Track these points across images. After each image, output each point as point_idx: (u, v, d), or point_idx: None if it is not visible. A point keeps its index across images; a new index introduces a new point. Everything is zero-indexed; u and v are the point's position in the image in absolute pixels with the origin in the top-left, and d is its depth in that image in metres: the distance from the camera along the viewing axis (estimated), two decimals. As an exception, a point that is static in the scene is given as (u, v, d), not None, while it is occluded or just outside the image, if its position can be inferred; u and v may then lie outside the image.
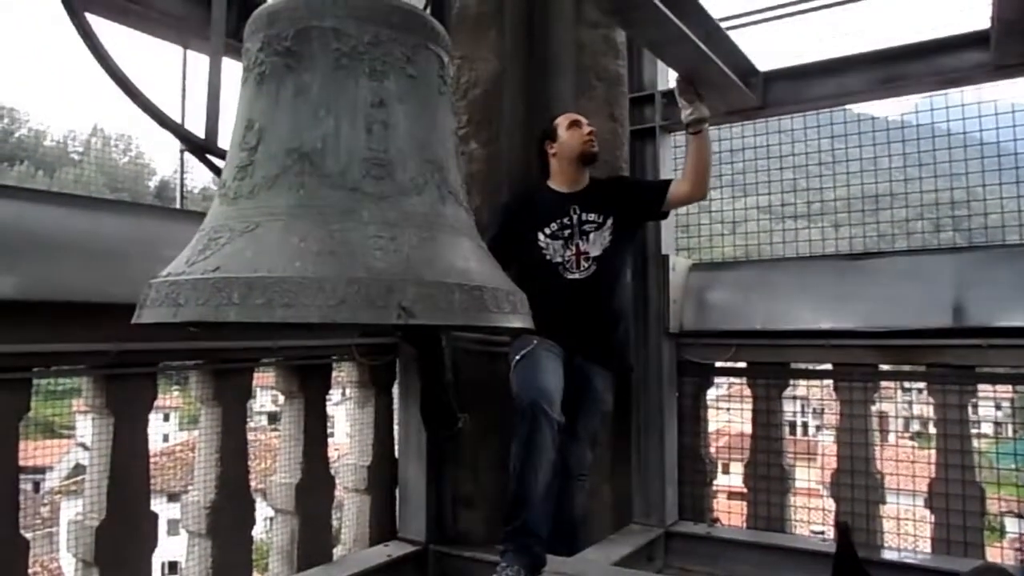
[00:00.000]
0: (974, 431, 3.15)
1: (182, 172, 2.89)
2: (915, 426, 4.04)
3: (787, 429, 3.65)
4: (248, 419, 2.82)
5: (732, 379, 3.85)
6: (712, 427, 3.85)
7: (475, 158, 3.20)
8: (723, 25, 2.80)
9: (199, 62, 2.52)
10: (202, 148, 1.70)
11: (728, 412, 3.87)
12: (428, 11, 2.43)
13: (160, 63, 2.92)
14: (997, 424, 3.72)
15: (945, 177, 3.39)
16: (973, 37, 2.87)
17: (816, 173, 3.74)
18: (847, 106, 3.57)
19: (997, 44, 2.75)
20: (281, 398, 3.06)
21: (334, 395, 3.42)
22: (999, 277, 2.99)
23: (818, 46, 3.49)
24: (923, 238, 3.60)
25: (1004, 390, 3.27)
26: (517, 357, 2.79)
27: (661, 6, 2.08)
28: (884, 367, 3.34)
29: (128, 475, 2.38)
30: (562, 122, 3.01)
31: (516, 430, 2.62)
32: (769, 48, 3.67)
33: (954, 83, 3.07)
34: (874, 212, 3.89)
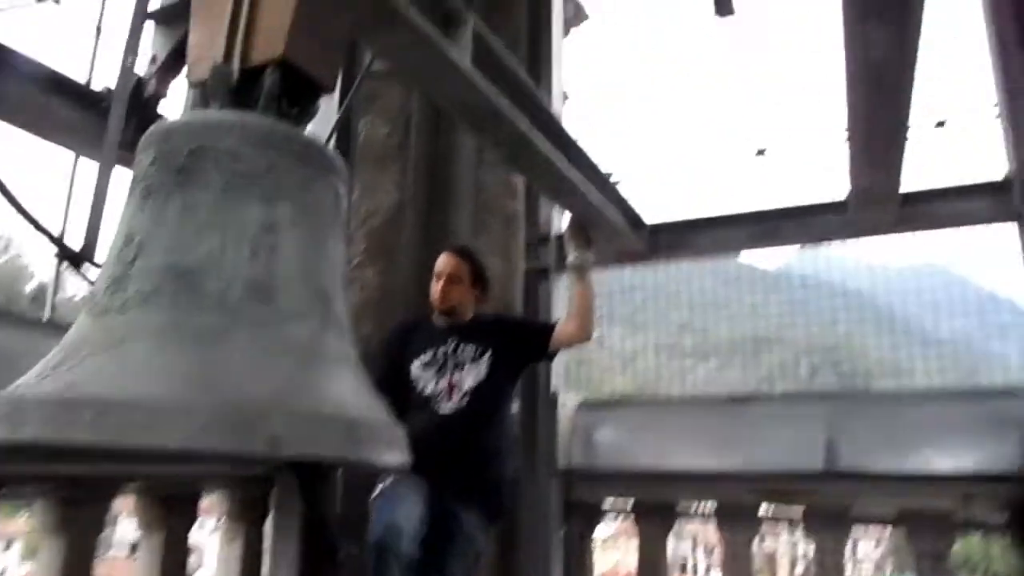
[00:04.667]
0: (852, 570, 3.22)
1: (56, 281, 2.74)
2: (801, 566, 4.09)
3: (676, 569, 3.62)
4: (106, 550, 2.56)
5: (620, 518, 3.82)
6: (601, 566, 3.77)
7: (370, 285, 3.20)
8: (615, 177, 3.00)
9: (91, 168, 2.46)
10: (77, 258, 1.62)
11: (616, 551, 3.81)
12: (333, 139, 2.50)
13: (49, 166, 2.83)
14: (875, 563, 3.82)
15: (820, 324, 3.65)
16: (834, 203, 3.19)
17: (706, 315, 3.93)
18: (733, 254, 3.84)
19: (854, 208, 3.07)
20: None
21: (207, 523, 3.17)
22: (869, 422, 3.17)
23: (701, 201, 3.78)
24: (802, 381, 3.80)
25: (879, 530, 3.40)
26: (376, 493, 2.69)
27: (557, 159, 2.20)
28: (764, 508, 3.41)
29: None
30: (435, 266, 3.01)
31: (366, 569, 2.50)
32: (656, 199, 3.94)
33: (819, 240, 3.37)
34: (758, 355, 4.09)
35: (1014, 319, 3.47)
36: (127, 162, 1.97)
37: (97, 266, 1.65)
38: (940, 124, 3.51)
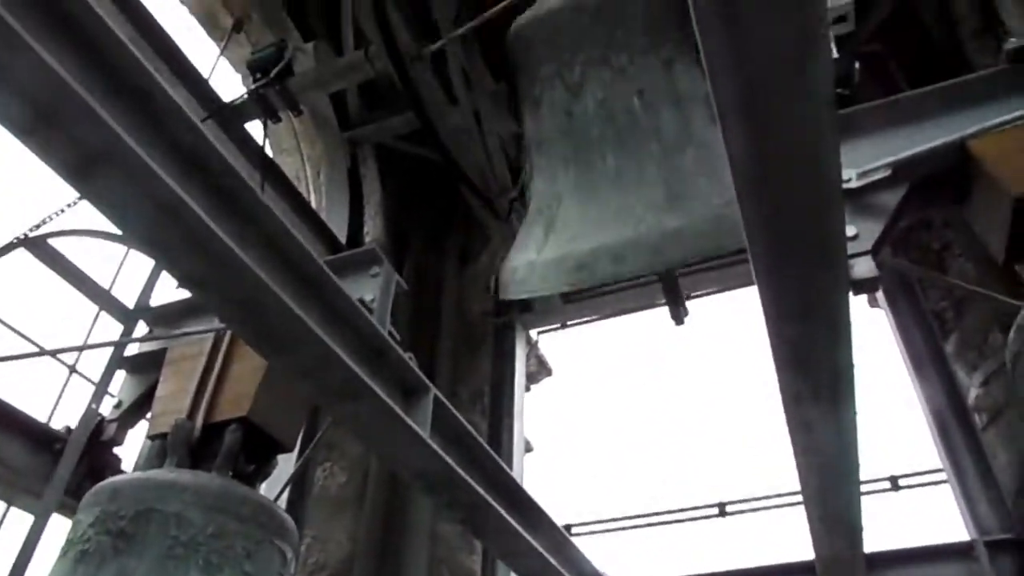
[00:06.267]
0: None
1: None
2: None
3: None
4: None
5: None
6: None
7: (310, 654, 2.90)
8: (574, 530, 2.90)
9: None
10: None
11: None
12: (287, 490, 2.44)
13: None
14: None
15: None
16: (802, 564, 3.09)
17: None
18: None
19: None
20: None
21: None
22: None
23: (666, 555, 3.66)
24: None
25: None
26: None
27: (511, 521, 2.15)
28: None
29: None
30: None
31: None
32: (620, 550, 3.80)
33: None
34: None
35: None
36: (66, 508, 1.90)
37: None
38: (895, 487, 3.58)
